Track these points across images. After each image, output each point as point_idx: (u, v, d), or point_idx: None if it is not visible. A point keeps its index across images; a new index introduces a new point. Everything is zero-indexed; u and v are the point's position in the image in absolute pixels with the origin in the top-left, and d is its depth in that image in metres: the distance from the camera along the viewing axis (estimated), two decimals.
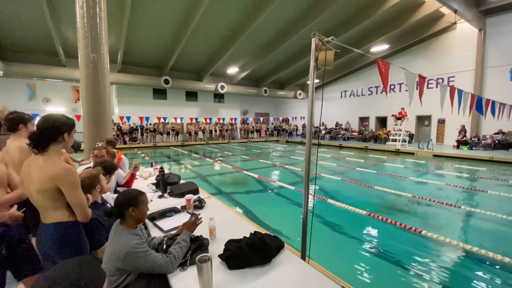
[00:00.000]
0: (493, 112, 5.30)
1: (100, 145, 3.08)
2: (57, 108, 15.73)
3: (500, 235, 3.60)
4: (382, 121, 17.92)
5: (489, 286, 2.44)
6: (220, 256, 1.54)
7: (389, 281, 2.55)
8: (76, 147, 3.24)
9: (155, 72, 16.16)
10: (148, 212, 2.27)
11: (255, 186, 6.43)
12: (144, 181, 3.58)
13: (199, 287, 1.31)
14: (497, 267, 2.78)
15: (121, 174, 3.12)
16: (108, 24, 5.43)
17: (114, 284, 1.42)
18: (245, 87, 19.61)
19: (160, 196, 2.81)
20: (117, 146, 14.37)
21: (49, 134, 1.47)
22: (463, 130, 13.08)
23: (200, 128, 18.40)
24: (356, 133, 18.06)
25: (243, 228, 1.96)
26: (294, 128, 22.10)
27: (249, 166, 8.97)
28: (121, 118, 15.39)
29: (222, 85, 17.88)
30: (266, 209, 4.69)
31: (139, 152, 13.31)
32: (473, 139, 12.53)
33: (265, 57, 15.03)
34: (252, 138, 21.04)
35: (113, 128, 15.24)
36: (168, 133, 17.46)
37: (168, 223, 2.10)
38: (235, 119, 20.50)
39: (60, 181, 1.44)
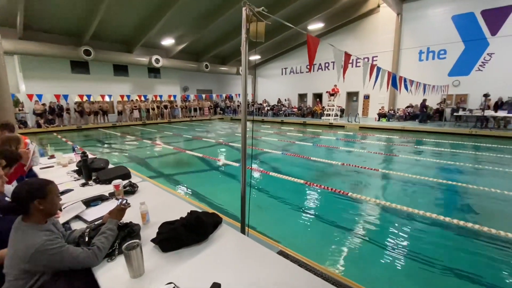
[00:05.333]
0: (406, 87, 6.20)
1: None
2: None
3: (408, 191, 4.38)
4: (318, 98, 19.26)
5: (400, 233, 2.99)
6: (152, 240, 1.46)
7: (322, 238, 2.89)
8: None
9: (72, 41, 13.52)
10: (68, 203, 1.99)
11: (199, 165, 6.29)
12: (64, 169, 3.10)
13: (129, 276, 1.23)
14: (406, 217, 3.40)
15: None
16: None
17: None
18: (184, 61, 18.26)
19: (83, 184, 2.48)
20: (30, 131, 11.94)
21: None
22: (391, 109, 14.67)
23: (135, 106, 16.70)
24: (296, 110, 19.06)
25: (180, 209, 1.89)
26: (238, 105, 22.01)
27: (193, 146, 8.67)
28: (30, 96, 12.74)
29: (157, 58, 16.26)
30: (211, 187, 4.66)
31: (59, 136, 11.44)
32: (390, 111, 14.61)
33: (203, 29, 14.09)
34: (195, 116, 20.21)
35: (20, 109, 12.64)
36: (95, 114, 15.34)
37: (93, 213, 1.88)
38: (175, 96, 19.17)
39: None
